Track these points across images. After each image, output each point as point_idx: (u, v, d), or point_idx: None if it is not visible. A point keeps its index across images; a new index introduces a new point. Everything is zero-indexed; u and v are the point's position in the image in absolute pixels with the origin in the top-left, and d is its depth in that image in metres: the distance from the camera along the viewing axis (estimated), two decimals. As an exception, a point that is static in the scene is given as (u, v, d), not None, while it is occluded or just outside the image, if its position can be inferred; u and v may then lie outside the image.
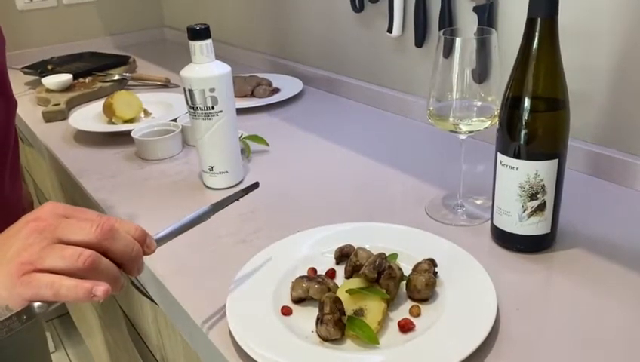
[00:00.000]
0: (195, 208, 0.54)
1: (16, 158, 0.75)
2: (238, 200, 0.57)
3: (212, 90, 0.75)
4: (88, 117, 1.09)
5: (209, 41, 0.75)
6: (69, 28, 1.72)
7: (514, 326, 0.52)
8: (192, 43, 0.75)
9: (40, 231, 0.41)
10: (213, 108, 0.76)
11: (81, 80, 1.32)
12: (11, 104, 0.73)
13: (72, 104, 1.21)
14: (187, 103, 0.77)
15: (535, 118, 0.58)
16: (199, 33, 0.74)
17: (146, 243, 0.46)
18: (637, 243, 0.62)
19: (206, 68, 0.75)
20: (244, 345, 0.49)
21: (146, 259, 0.47)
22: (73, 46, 1.66)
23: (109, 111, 1.05)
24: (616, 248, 0.62)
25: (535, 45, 0.56)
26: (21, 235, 0.41)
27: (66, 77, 1.28)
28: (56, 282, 0.39)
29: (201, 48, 0.75)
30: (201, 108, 0.76)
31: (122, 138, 1.01)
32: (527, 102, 0.57)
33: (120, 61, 1.47)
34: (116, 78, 1.34)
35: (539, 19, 0.55)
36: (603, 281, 0.57)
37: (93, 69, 1.39)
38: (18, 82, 1.41)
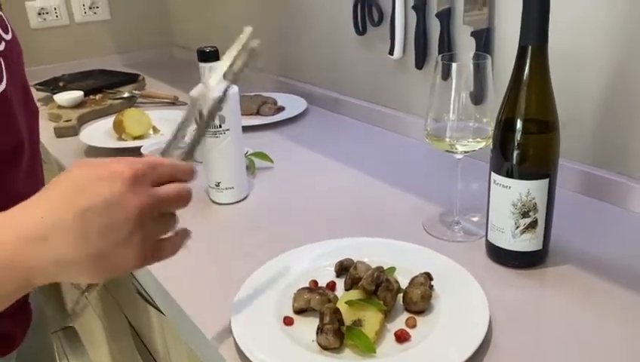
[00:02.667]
0: (202, 222, 0.57)
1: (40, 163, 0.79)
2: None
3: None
4: (99, 133, 1.13)
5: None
6: (81, 46, 1.77)
7: (506, 339, 0.54)
8: (202, 64, 0.78)
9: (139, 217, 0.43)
10: (220, 126, 0.79)
11: (91, 97, 1.37)
12: (35, 111, 0.77)
13: (82, 120, 1.25)
14: (196, 122, 0.80)
15: (527, 139, 0.61)
16: (209, 55, 0.78)
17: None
18: (626, 259, 0.65)
19: (214, 88, 0.78)
20: (248, 353, 0.52)
21: (155, 270, 0.50)
22: (84, 63, 1.71)
23: (119, 128, 1.09)
24: (606, 265, 0.64)
25: (526, 71, 0.59)
26: (120, 221, 0.42)
27: (77, 94, 1.32)
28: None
29: (211, 69, 0.78)
30: (210, 127, 0.79)
31: (132, 154, 1.04)
32: (519, 125, 0.61)
33: (129, 79, 1.52)
34: (126, 95, 1.38)
35: (530, 47, 0.59)
36: (593, 297, 0.59)
37: (104, 87, 1.43)
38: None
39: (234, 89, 0.80)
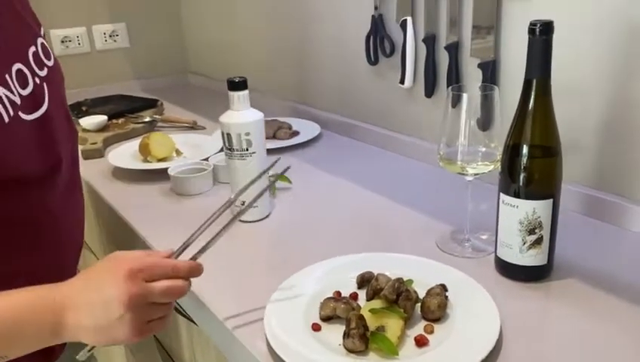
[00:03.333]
0: (229, 238, 0.63)
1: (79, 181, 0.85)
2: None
3: (247, 133, 0.85)
4: (125, 155, 1.19)
5: (246, 92, 0.85)
6: (101, 72, 1.85)
7: (515, 347, 0.59)
8: (231, 93, 0.85)
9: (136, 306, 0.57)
10: (247, 149, 0.86)
11: (114, 121, 1.44)
12: (74, 132, 0.83)
13: (107, 143, 1.31)
14: (224, 145, 0.87)
15: (532, 163, 0.67)
16: (238, 85, 0.84)
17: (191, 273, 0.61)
18: (625, 274, 0.70)
19: (242, 115, 0.85)
20: (283, 355, 0.57)
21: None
22: (104, 89, 1.78)
23: (145, 151, 1.15)
24: (606, 278, 0.70)
25: (531, 102, 0.66)
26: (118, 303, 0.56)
27: (102, 118, 1.39)
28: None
29: (239, 98, 0.85)
30: (237, 150, 0.86)
31: (157, 175, 1.10)
32: (525, 150, 0.67)
33: (149, 104, 1.59)
34: (147, 119, 1.45)
35: (534, 80, 0.65)
36: (596, 307, 0.65)
37: (125, 111, 1.50)
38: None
39: (259, 115, 0.87)
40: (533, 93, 0.66)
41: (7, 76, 0.67)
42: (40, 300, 0.60)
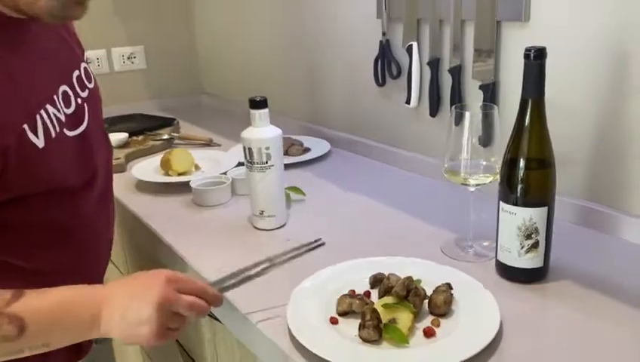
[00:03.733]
0: (248, 245, 0.71)
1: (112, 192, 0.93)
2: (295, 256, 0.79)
3: (267, 148, 0.92)
4: (147, 169, 1.26)
5: (266, 110, 0.93)
6: (119, 92, 1.94)
7: (515, 340, 0.65)
8: (253, 111, 0.93)
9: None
10: (267, 162, 0.93)
11: (134, 138, 1.51)
12: (109, 148, 0.91)
13: (129, 158, 1.39)
14: (245, 158, 0.94)
15: (528, 174, 0.74)
16: (259, 103, 0.92)
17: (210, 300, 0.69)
18: (616, 277, 0.77)
19: (263, 131, 0.93)
20: (306, 344, 0.63)
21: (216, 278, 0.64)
22: (122, 108, 1.87)
23: (166, 165, 1.23)
24: (599, 281, 0.76)
25: (527, 119, 0.73)
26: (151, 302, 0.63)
27: (124, 135, 1.47)
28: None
29: (260, 115, 0.92)
30: (257, 163, 0.93)
31: (178, 187, 1.18)
32: (522, 163, 0.74)
33: (166, 122, 1.67)
34: (165, 137, 1.53)
35: (530, 99, 0.73)
36: (588, 306, 0.71)
37: (144, 129, 1.58)
38: (76, 139, 1.61)
39: (278, 131, 0.95)
40: (528, 112, 0.73)
41: (55, 97, 0.75)
42: (82, 297, 0.67)
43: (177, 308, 0.65)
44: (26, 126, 0.68)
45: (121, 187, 1.23)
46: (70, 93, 0.79)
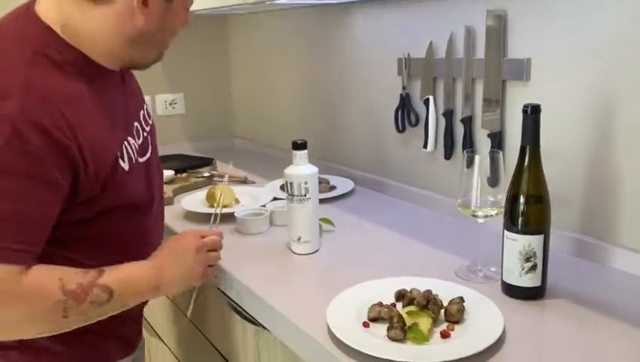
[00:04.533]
0: (287, 267, 0.91)
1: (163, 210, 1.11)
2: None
3: (306, 183, 1.09)
4: (193, 202, 1.43)
5: (305, 151, 1.10)
6: (161, 134, 2.12)
7: (517, 346, 0.79)
8: (294, 151, 1.10)
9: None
10: (305, 195, 1.09)
11: (179, 175, 1.69)
12: (162, 174, 1.11)
13: (175, 193, 1.56)
14: (287, 191, 1.11)
15: (527, 208, 0.89)
16: (300, 145, 1.09)
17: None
18: (606, 297, 0.91)
19: (302, 168, 1.10)
20: (345, 340, 0.77)
21: (264, 297, 0.79)
22: (163, 148, 2.05)
23: (211, 198, 1.40)
24: (590, 300, 0.90)
25: (526, 163, 0.89)
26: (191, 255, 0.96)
27: (170, 172, 1.65)
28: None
29: (300, 155, 1.10)
30: (297, 195, 1.09)
31: (221, 218, 1.34)
32: (522, 198, 0.89)
33: (205, 162, 1.85)
34: (206, 174, 1.71)
35: (527, 146, 0.89)
36: (580, 318, 0.85)
37: (187, 167, 1.76)
38: (125, 175, 1.79)
39: (315, 169, 1.11)
40: (527, 157, 0.89)
41: (133, 130, 0.94)
42: (144, 264, 0.91)
43: (207, 247, 0.98)
44: (118, 153, 0.86)
45: (171, 217, 1.39)
46: (139, 127, 0.98)
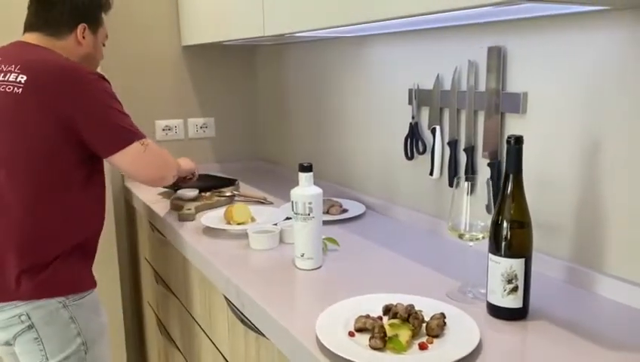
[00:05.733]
0: (291, 281, 0.96)
1: None
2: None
3: (310, 203, 1.17)
4: (213, 219, 1.54)
5: (311, 173, 1.19)
6: (191, 155, 2.26)
7: (495, 358, 0.84)
8: (301, 173, 1.19)
9: None
10: (309, 214, 1.18)
11: (203, 194, 1.81)
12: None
13: (198, 210, 1.67)
14: (293, 210, 1.19)
15: (510, 233, 0.95)
16: (305, 168, 1.18)
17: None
18: (588, 321, 0.95)
19: (307, 189, 1.18)
20: (331, 347, 0.84)
21: (265, 307, 0.87)
22: (192, 168, 2.19)
23: (229, 216, 1.50)
24: (573, 323, 0.94)
25: (509, 189, 0.95)
26: None
27: (195, 191, 1.76)
28: None
29: (306, 177, 1.18)
30: (301, 214, 1.18)
31: (237, 235, 1.44)
32: (505, 224, 0.95)
33: (229, 182, 1.96)
34: (228, 194, 1.82)
35: (511, 174, 0.95)
36: (558, 342, 0.89)
37: (211, 187, 1.88)
38: (154, 191, 1.92)
39: (319, 190, 1.20)
40: (510, 184, 0.95)
41: None
42: None
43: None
44: None
45: (190, 232, 1.50)
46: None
